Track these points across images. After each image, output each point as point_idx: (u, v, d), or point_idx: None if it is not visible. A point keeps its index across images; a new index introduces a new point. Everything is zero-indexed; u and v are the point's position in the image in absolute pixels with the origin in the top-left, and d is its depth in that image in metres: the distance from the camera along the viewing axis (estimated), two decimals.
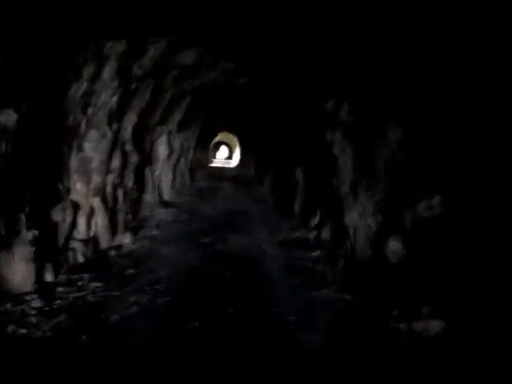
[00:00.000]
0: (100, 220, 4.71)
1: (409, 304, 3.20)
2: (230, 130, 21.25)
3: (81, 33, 3.51)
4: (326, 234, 5.56)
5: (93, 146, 4.53)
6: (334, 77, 5.17)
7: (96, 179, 4.63)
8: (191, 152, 13.82)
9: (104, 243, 4.81)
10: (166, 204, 8.31)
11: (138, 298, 3.52)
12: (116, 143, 5.12)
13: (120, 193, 5.39)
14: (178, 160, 11.04)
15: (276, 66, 6.76)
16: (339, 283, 4.04)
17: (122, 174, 5.44)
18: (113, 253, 4.74)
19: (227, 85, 9.36)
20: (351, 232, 4.64)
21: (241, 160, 23.40)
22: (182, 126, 10.70)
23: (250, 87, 9.60)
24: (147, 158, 7.18)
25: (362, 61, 4.39)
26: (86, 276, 3.92)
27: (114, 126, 5.00)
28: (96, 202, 4.64)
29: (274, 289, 3.95)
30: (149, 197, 7.14)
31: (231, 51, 6.49)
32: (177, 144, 10.43)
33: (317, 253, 5.13)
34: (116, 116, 4.99)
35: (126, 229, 5.42)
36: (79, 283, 3.76)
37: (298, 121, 7.40)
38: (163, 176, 8.77)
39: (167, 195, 8.97)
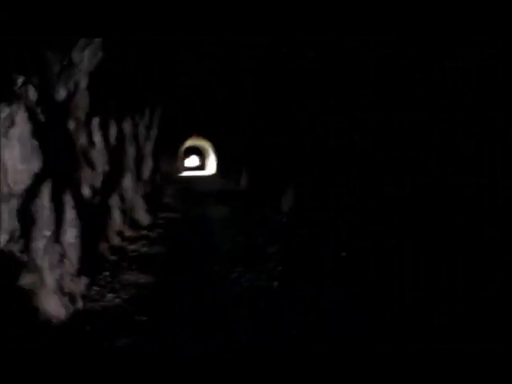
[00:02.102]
0: None
1: None
2: (202, 134, 18.82)
3: None
4: None
5: None
6: None
7: None
8: (149, 162, 7.80)
9: None
10: None
11: None
12: None
13: None
14: (107, 184, 4.95)
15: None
16: None
17: None
18: None
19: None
20: None
21: (221, 167, 19.79)
22: (118, 101, 5.13)
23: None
24: None
25: None
26: None
27: None
28: None
29: None
30: None
31: None
32: (97, 142, 4.61)
33: None
34: None
35: None
36: None
37: None
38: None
39: None
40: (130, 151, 6.47)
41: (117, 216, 5.65)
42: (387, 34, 3.59)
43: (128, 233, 5.90)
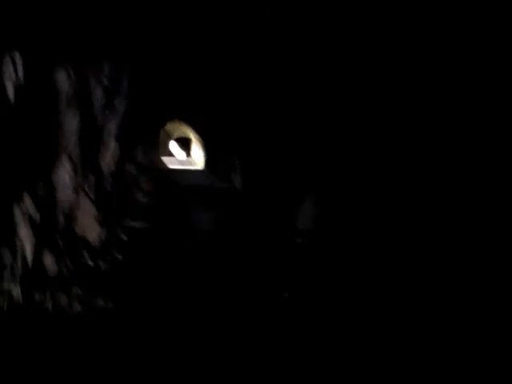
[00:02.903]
0: None
1: None
2: (186, 119, 15.87)
3: None
4: None
5: None
6: None
7: None
8: (112, 146, 5.40)
9: None
10: None
11: None
12: None
13: None
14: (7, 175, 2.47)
15: None
16: None
17: None
18: None
19: None
20: None
21: (210, 160, 16.63)
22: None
23: None
24: None
25: None
26: None
27: None
28: None
29: None
30: None
31: None
32: None
33: None
34: None
35: None
36: None
37: None
38: None
39: None
40: (71, 124, 3.77)
41: (25, 235, 2.89)
42: (387, 34, 3.59)
43: (48, 261, 3.13)
